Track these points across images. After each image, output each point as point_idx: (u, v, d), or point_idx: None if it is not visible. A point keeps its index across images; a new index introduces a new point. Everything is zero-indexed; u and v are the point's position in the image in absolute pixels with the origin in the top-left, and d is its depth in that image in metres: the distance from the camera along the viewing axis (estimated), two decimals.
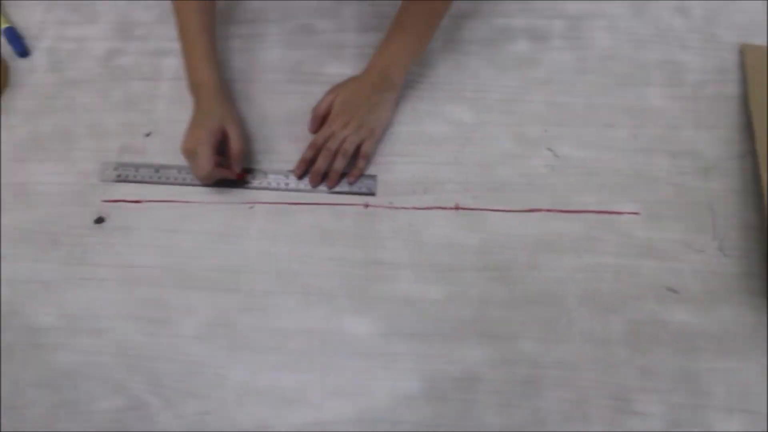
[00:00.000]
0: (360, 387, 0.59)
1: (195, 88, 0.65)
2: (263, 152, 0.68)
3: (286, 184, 0.66)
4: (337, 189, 0.66)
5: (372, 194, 0.65)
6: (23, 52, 0.74)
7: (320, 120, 0.66)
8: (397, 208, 0.65)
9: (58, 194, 0.67)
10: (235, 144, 0.64)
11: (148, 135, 0.69)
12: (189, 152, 0.63)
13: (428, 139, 0.68)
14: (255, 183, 0.67)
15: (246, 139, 0.67)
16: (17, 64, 0.74)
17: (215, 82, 0.65)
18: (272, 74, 0.71)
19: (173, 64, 0.72)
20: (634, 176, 0.65)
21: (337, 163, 0.65)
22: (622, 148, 0.65)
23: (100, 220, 0.66)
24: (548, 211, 0.64)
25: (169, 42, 0.73)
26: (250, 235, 0.65)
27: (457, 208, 0.64)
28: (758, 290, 0.61)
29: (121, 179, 0.68)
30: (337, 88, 0.67)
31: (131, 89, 0.72)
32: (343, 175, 0.66)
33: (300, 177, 0.66)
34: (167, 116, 0.70)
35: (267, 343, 0.61)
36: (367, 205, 0.65)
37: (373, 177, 0.66)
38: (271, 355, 0.60)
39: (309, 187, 0.66)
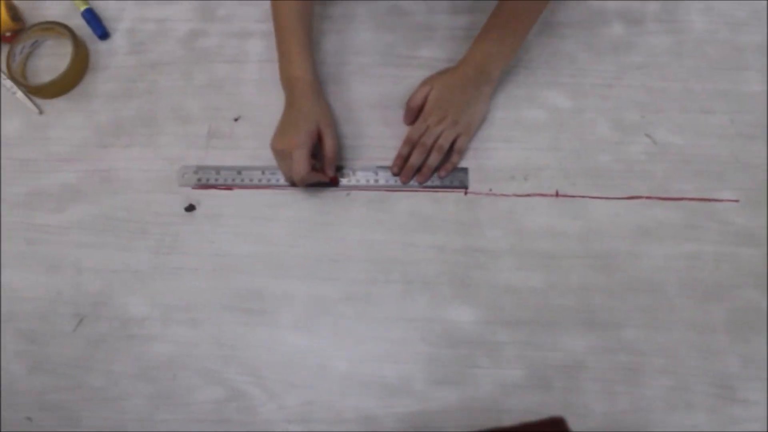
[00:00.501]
0: (464, 375, 0.59)
1: (290, 82, 0.63)
2: (354, 137, 0.67)
3: (376, 180, 0.65)
4: (428, 183, 0.65)
5: (465, 188, 0.64)
6: (103, 34, 0.72)
7: (415, 113, 0.65)
8: (497, 195, 0.64)
9: (145, 181, 0.66)
10: (330, 147, 0.62)
11: (236, 120, 0.68)
12: (282, 153, 0.61)
13: (526, 124, 0.66)
14: (344, 182, 0.65)
15: (338, 138, 0.65)
16: (97, 47, 0.72)
17: (312, 77, 0.63)
18: (363, 57, 0.70)
19: (259, 45, 0.71)
20: (732, 163, 0.64)
21: (432, 159, 0.63)
22: (719, 134, 0.64)
23: (190, 208, 0.65)
24: (648, 198, 0.63)
25: (254, 23, 0.72)
26: (347, 222, 0.64)
27: (557, 195, 0.64)
28: None
29: (201, 184, 0.66)
30: (431, 80, 0.65)
31: (215, 72, 0.70)
32: (435, 169, 0.64)
33: (397, 174, 0.65)
34: (254, 100, 0.69)
35: (369, 333, 0.60)
36: (466, 192, 0.64)
37: (464, 170, 0.65)
38: (373, 344, 0.60)
39: (399, 183, 0.65)
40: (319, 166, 0.63)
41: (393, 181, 0.65)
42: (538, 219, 0.63)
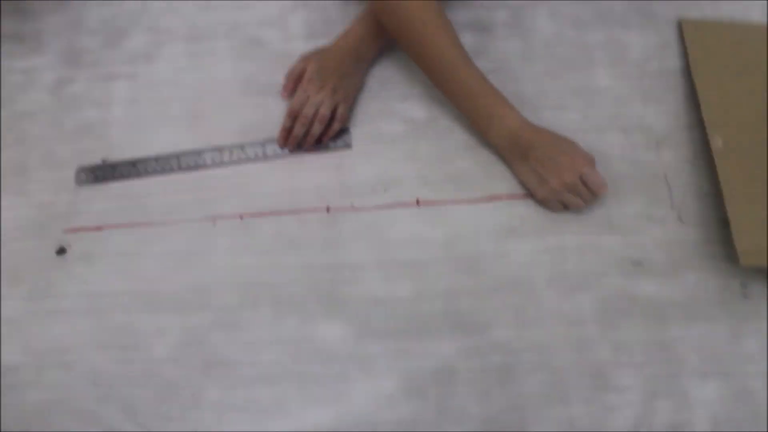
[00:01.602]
0: (338, 392, 0.59)
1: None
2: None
3: (264, 153, 0.68)
4: (314, 149, 0.68)
5: (349, 147, 0.68)
6: None
7: (294, 84, 0.68)
8: (358, 209, 0.65)
9: (16, 228, 0.67)
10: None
11: (104, 161, 0.69)
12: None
13: (384, 138, 0.68)
14: (232, 157, 0.68)
15: None
16: None
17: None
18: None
19: (124, 87, 0.72)
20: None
21: (315, 128, 0.66)
22: (575, 128, 0.66)
23: (61, 251, 0.65)
24: (509, 197, 0.65)
25: (119, 66, 0.73)
26: (215, 250, 0.64)
27: (418, 203, 0.65)
28: (720, 255, 0.62)
29: (99, 180, 0.68)
30: (309, 55, 0.69)
31: (84, 116, 0.71)
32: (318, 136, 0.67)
33: (283, 146, 0.68)
34: (122, 141, 0.70)
35: (241, 358, 0.60)
36: (328, 209, 0.65)
37: (347, 129, 0.68)
38: (245, 369, 0.60)
39: (286, 152, 0.68)
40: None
41: (281, 151, 0.68)
42: (402, 229, 0.64)
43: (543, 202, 0.63)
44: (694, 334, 0.60)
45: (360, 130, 0.69)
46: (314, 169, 0.67)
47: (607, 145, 0.66)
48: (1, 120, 0.71)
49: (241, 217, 0.65)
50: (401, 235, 0.64)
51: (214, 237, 0.65)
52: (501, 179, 0.65)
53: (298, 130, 0.66)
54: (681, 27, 0.71)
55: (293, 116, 0.66)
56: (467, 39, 0.71)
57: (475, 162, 0.66)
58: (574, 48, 0.71)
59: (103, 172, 0.68)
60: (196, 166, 0.68)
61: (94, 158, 0.69)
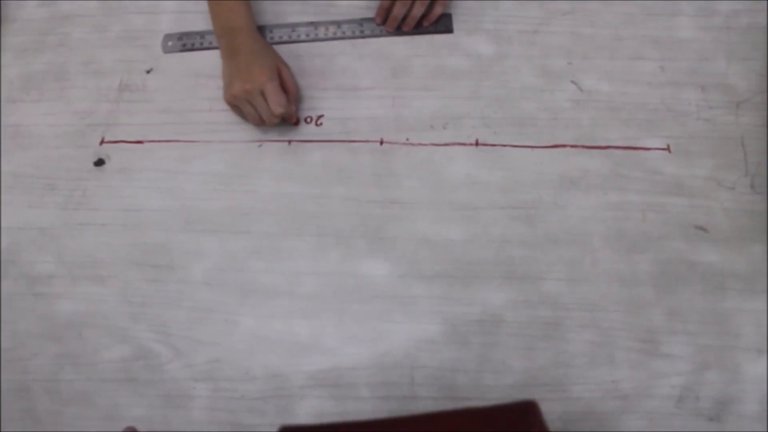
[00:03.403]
0: (377, 331, 0.56)
1: (231, 32, 0.62)
2: None
3: (361, 31, 0.67)
4: (413, 30, 0.66)
5: (450, 32, 0.66)
6: None
7: None
8: (414, 144, 0.61)
9: (55, 136, 0.64)
10: (291, 83, 0.61)
11: (149, 72, 0.65)
12: (249, 93, 0.59)
13: (446, 72, 0.64)
14: (327, 33, 0.67)
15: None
16: None
17: (254, 24, 0.63)
18: None
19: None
20: (662, 111, 0.62)
21: (416, 9, 0.64)
22: (649, 81, 0.62)
23: (99, 163, 0.63)
24: (573, 147, 0.61)
25: None
26: (259, 175, 0.61)
27: (477, 144, 0.61)
28: None
29: (186, 48, 0.66)
30: None
31: (130, 24, 0.68)
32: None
33: (381, 24, 0.66)
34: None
35: (279, 288, 0.58)
36: (381, 141, 0.62)
37: (448, 15, 0.66)
38: (283, 300, 0.58)
39: (383, 31, 0.66)
40: None
41: (378, 30, 0.66)
42: (458, 169, 0.60)
43: (228, 104, 0.63)
44: (753, 308, 0.56)
45: (420, 62, 0.65)
46: (370, 98, 0.63)
47: (683, 102, 0.62)
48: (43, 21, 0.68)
49: (290, 142, 0.62)
50: (456, 175, 0.60)
51: (259, 160, 0.62)
52: (565, 127, 0.61)
53: (398, 10, 0.64)
54: None
55: None
56: None
57: (539, 106, 0.62)
58: None
59: (191, 40, 0.66)
60: (290, 41, 0.67)
61: (138, 69, 0.66)
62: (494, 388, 0.54)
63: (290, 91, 0.61)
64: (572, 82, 0.63)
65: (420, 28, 0.66)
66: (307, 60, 0.67)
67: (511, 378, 0.55)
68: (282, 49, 0.65)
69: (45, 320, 0.59)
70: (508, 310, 0.57)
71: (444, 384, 0.55)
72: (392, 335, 0.56)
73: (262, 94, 0.58)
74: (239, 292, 0.58)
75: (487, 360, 0.56)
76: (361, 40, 0.66)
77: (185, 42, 0.66)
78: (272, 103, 0.58)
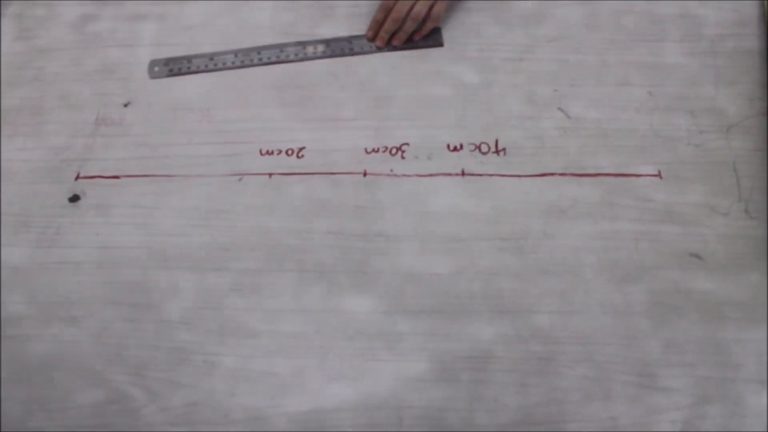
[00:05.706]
0: (362, 370, 0.54)
1: None
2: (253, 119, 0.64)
3: (351, 49, 0.67)
4: (404, 45, 0.66)
5: (440, 45, 0.66)
6: None
7: None
8: (398, 175, 0.60)
9: (29, 171, 0.62)
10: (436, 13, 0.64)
11: (126, 105, 0.64)
12: None
13: (430, 101, 0.63)
14: (316, 52, 0.66)
15: None
16: None
17: None
18: None
19: (151, 29, 0.68)
20: (651, 137, 0.60)
21: (407, 25, 0.64)
22: (637, 107, 0.61)
23: (75, 198, 0.61)
24: (562, 175, 0.59)
25: (147, 6, 0.68)
26: (239, 209, 0.60)
27: (463, 174, 0.60)
28: None
29: (173, 74, 0.65)
30: None
31: (107, 57, 0.66)
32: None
33: (371, 39, 0.66)
34: (146, 84, 0.65)
35: (259, 327, 0.56)
36: (365, 173, 0.60)
37: (438, 29, 0.66)
38: (264, 339, 0.55)
39: (373, 48, 0.66)
40: None
41: (368, 47, 0.66)
42: (444, 200, 0.59)
43: None
44: (753, 338, 0.54)
45: (404, 92, 0.64)
46: (352, 129, 0.62)
47: (673, 127, 0.61)
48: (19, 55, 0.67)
49: (270, 175, 0.60)
50: (442, 207, 0.59)
51: (240, 194, 0.60)
52: (553, 155, 0.60)
53: (390, 25, 0.64)
54: (763, 4, 0.65)
55: (387, 10, 0.63)
56: (527, 4, 0.65)
57: (526, 134, 0.61)
58: (644, 19, 0.65)
59: (178, 65, 0.65)
60: (278, 61, 0.66)
61: (116, 102, 0.64)
62: (488, 427, 0.52)
63: (432, 17, 0.63)
64: (559, 109, 0.62)
65: (410, 43, 0.66)
66: (289, 91, 0.66)
67: (505, 416, 0.53)
68: (270, 72, 0.65)
69: (14, 363, 0.56)
70: (498, 345, 0.54)
71: (434, 425, 0.52)
72: (377, 374, 0.54)
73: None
74: (218, 331, 0.56)
75: (478, 398, 0.53)
76: (344, 68, 0.65)
77: (172, 67, 0.65)
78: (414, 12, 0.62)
